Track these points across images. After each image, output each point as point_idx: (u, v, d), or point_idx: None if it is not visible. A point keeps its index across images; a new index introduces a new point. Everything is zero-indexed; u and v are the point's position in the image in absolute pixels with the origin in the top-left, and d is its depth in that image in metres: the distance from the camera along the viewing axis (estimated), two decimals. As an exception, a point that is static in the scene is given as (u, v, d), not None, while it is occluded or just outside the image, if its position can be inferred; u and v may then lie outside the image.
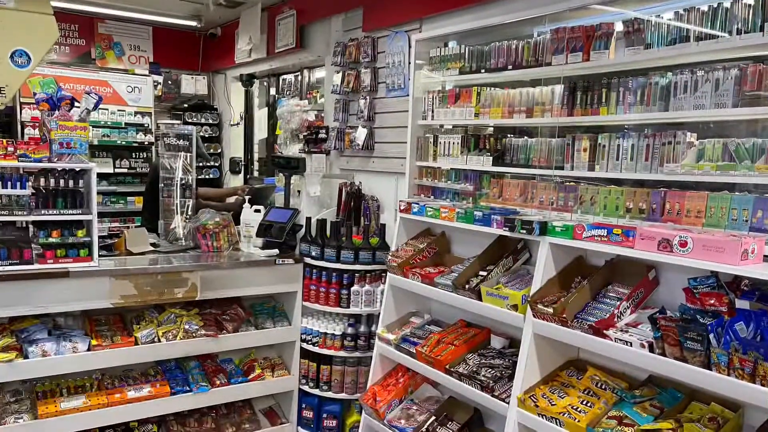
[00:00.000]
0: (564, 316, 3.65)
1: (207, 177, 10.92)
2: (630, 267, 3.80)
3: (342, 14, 6.92)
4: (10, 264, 4.61)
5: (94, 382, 5.13)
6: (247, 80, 10.35)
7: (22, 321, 4.91)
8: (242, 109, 10.89)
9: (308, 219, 5.93)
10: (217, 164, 11.15)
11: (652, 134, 3.82)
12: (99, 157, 9.97)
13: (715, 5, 3.50)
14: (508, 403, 3.96)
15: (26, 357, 4.69)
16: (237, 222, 6.11)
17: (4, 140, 4.67)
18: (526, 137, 4.69)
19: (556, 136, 4.37)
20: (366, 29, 6.47)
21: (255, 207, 6.15)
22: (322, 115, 7.41)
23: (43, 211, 4.70)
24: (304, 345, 5.86)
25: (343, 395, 5.77)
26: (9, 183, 4.57)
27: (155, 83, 10.71)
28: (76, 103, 5.10)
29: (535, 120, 4.52)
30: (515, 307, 4.02)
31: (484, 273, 4.40)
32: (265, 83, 10.52)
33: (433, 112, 5.33)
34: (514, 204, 4.57)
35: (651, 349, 3.26)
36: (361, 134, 6.37)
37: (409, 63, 5.69)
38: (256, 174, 10.82)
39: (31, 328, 4.88)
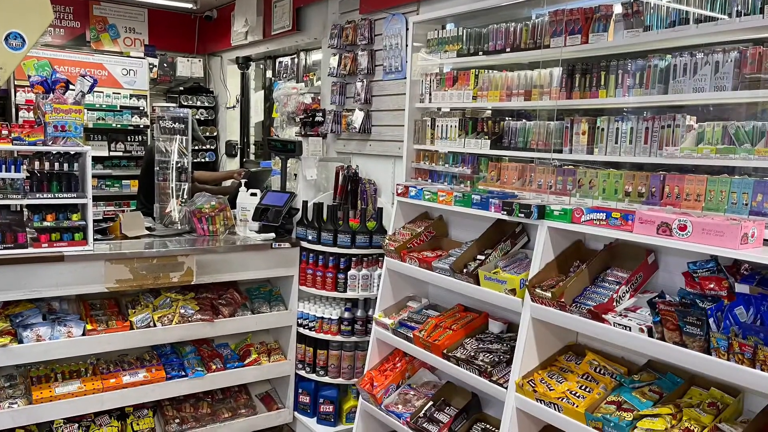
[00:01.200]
0: (562, 300, 3.63)
1: (203, 160, 10.89)
2: (629, 251, 3.78)
3: (339, -4, 6.88)
4: (4, 248, 4.59)
5: (89, 366, 5.12)
6: (243, 63, 10.32)
7: (16, 305, 4.90)
8: (238, 92, 10.86)
9: (305, 203, 5.90)
10: (212, 147, 11.11)
11: (651, 117, 3.78)
12: (94, 141, 9.97)
13: (716, -14, 3.47)
14: (506, 388, 3.95)
15: (20, 342, 4.68)
16: (233, 206, 6.09)
17: (-2, 123, 4.64)
18: (524, 120, 4.65)
19: (555, 119, 4.33)
20: (363, 11, 6.42)
21: (251, 190, 6.12)
22: (319, 98, 7.37)
23: (37, 195, 4.68)
24: (301, 329, 5.85)
25: (340, 380, 5.76)
26: (3, 166, 4.53)
27: (150, 66, 10.67)
28: (71, 86, 5.06)
29: (533, 103, 4.48)
30: (513, 292, 4.00)
31: (482, 257, 4.38)
32: (261, 66, 10.47)
33: (430, 94, 5.28)
34: (512, 187, 4.53)
35: (650, 334, 3.25)
36: (358, 117, 6.34)
37: (407, 45, 5.65)
38: (252, 157, 10.80)
39: (25, 312, 4.87)
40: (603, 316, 3.44)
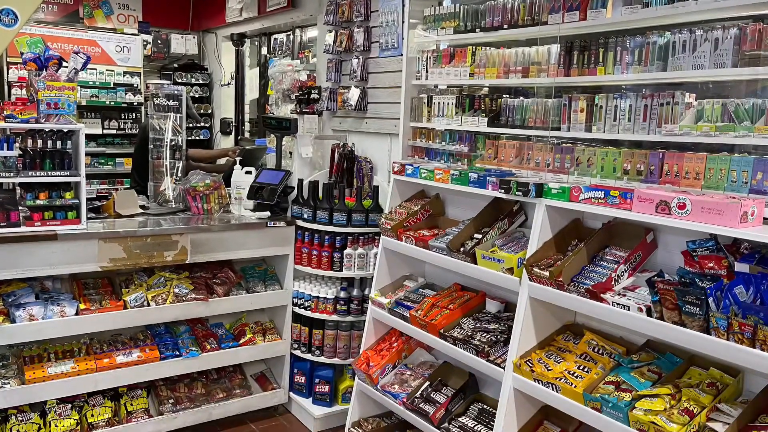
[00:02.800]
0: (560, 279, 3.60)
1: (197, 138, 10.85)
2: (628, 230, 3.75)
3: (334, -28, 6.80)
4: (-3, 227, 4.56)
5: (83, 346, 5.10)
6: (238, 40, 10.26)
7: (8, 285, 4.86)
8: (233, 69, 10.82)
9: (300, 181, 5.86)
10: (207, 125, 11.07)
11: (650, 95, 3.75)
12: (87, 118, 9.92)
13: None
14: (503, 368, 3.93)
15: (13, 321, 4.66)
16: (228, 184, 6.05)
17: (-10, 100, 4.59)
18: (521, 97, 4.62)
19: (553, 96, 4.30)
20: (359, -13, 6.36)
21: (246, 168, 6.08)
22: (315, 75, 7.32)
23: (30, 173, 4.64)
24: (296, 309, 5.83)
25: (335, 360, 5.74)
26: (-5, 144, 4.50)
27: (144, 43, 10.61)
28: (64, 63, 5.02)
29: (531, 80, 4.44)
30: (511, 271, 3.97)
31: (479, 236, 4.35)
32: (256, 43, 10.42)
33: (427, 72, 5.24)
34: (509, 165, 4.51)
35: (649, 313, 3.23)
36: (354, 94, 6.29)
37: (403, 22, 5.59)
38: (247, 135, 10.76)
39: (18, 291, 4.84)
40: (601, 295, 3.42)
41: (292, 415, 6.03)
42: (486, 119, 4.73)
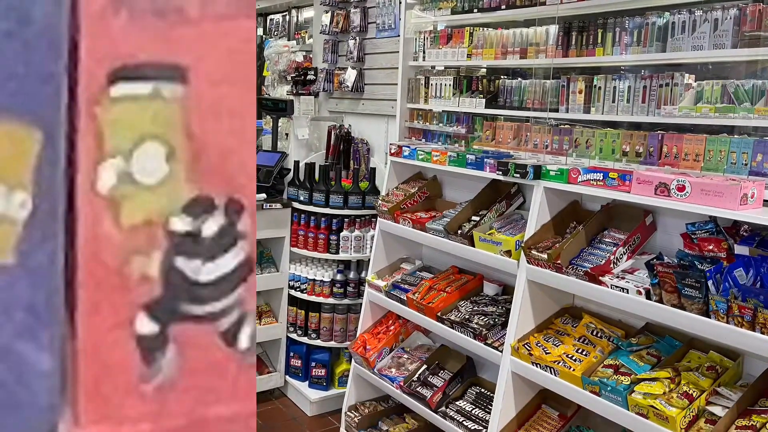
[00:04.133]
0: (558, 262, 3.58)
1: (193, 120, 10.80)
2: (626, 212, 3.72)
3: (330, -49, 6.75)
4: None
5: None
6: (234, 21, 10.19)
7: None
8: (229, 50, 10.74)
9: (296, 162, 5.84)
10: (203, 107, 11.02)
11: (649, 76, 3.72)
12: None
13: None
14: (501, 351, 3.91)
15: None
16: (223, 166, 6.01)
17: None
18: (519, 79, 4.59)
19: (551, 77, 4.27)
20: (355, -33, 6.32)
21: (241, 151, 6.04)
22: (311, 56, 7.28)
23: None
24: (292, 292, 5.81)
25: (332, 343, 5.73)
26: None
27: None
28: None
29: (529, 61, 4.41)
30: (508, 253, 3.95)
31: (477, 218, 4.33)
32: (251, 24, 10.35)
33: (424, 53, 5.20)
34: (507, 147, 4.48)
35: (648, 296, 3.20)
36: (350, 76, 6.25)
37: (400, 2, 5.54)
38: (243, 117, 10.70)
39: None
40: (600, 278, 3.39)
41: (288, 399, 6.02)
42: (484, 101, 4.70)
